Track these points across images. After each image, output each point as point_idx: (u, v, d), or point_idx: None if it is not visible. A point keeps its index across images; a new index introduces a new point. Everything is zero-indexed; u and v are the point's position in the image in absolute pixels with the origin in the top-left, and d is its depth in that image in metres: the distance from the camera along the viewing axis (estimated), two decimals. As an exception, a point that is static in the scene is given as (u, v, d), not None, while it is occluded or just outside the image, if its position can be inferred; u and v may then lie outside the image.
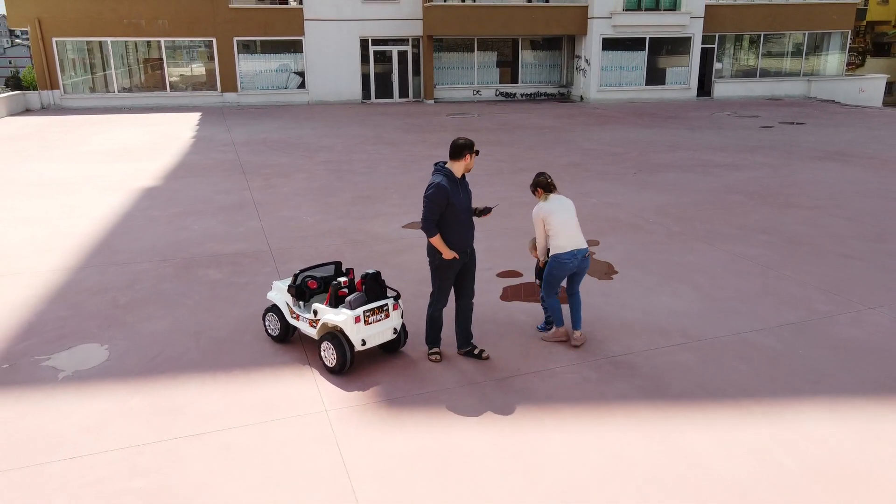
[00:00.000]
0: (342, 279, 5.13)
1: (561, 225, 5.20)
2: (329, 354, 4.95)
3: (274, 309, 5.44)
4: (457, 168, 4.88)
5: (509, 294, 6.63)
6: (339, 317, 4.86)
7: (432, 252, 4.95)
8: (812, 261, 7.57)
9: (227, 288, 6.79)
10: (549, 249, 5.33)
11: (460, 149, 4.83)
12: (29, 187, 11.40)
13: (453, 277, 5.05)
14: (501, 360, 5.25)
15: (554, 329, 5.52)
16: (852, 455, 4.02)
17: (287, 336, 5.46)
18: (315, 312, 5.05)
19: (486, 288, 6.75)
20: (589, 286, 6.80)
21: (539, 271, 5.59)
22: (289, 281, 5.46)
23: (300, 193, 10.96)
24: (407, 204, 10.21)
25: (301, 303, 5.29)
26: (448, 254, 4.86)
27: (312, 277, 5.37)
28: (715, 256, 7.73)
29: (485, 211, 5.07)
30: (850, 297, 6.48)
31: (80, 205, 10.20)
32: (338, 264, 5.58)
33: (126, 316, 6.10)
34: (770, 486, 3.73)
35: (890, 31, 46.86)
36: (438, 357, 5.21)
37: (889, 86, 46.07)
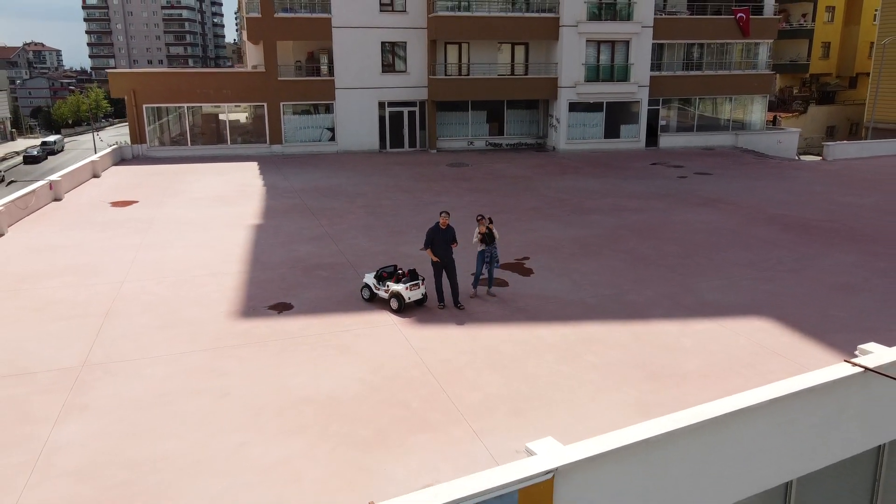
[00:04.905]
0: (400, 271, 11.70)
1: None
2: (394, 304, 11.49)
3: (366, 286, 11.98)
4: (440, 221, 11.49)
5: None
6: (399, 286, 11.40)
7: (430, 259, 11.57)
8: (640, 268, 14.10)
9: (334, 280, 13.33)
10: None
11: (440, 214, 11.51)
12: (180, 225, 17.98)
13: (440, 271, 11.62)
14: (469, 309, 11.78)
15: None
16: (597, 333, 10.53)
17: (372, 299, 11.99)
18: (388, 286, 11.59)
19: (467, 279, 13.26)
20: (517, 279, 13.35)
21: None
22: (373, 273, 12.02)
23: (354, 228, 17.53)
24: (422, 236, 16.68)
25: (379, 282, 11.83)
26: (434, 258, 11.45)
27: (384, 270, 11.93)
28: (590, 265, 14.27)
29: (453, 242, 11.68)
30: (644, 285, 13.02)
31: (221, 236, 16.74)
32: (395, 266, 12.14)
33: (290, 291, 12.63)
34: (561, 345, 10.24)
35: (832, 82, 53.97)
36: (442, 306, 11.70)
37: (830, 129, 53.07)
